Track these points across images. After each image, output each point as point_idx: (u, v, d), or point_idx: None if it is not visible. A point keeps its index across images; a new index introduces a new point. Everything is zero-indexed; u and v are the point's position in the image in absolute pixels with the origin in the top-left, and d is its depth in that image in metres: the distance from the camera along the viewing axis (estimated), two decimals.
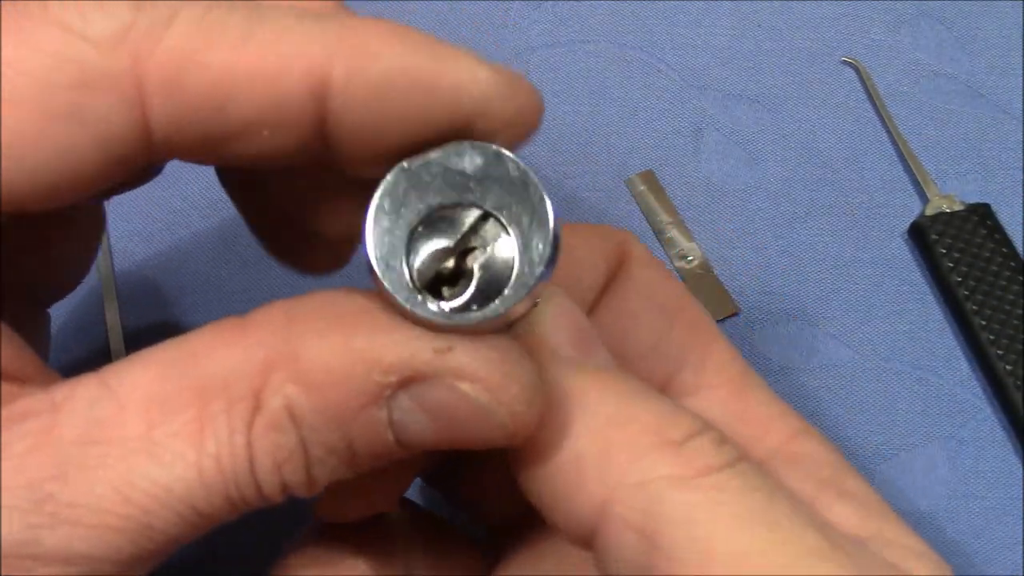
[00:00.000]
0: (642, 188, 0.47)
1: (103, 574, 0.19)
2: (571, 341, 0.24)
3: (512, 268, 0.21)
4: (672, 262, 0.45)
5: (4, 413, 0.19)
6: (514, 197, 0.21)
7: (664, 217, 0.46)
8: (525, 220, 0.21)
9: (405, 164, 0.21)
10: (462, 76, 0.20)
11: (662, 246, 0.45)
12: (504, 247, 0.21)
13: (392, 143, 0.21)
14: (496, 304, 0.20)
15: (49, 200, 0.20)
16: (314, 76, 0.20)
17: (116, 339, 0.41)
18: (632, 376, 0.24)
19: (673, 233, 0.45)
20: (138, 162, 0.21)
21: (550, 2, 0.53)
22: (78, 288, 0.30)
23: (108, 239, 0.42)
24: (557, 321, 0.24)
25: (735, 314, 0.43)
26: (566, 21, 0.52)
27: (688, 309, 0.29)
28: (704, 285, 0.44)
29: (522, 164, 0.21)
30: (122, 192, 0.27)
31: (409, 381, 0.20)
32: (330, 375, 0.20)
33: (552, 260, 0.21)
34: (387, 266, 0.21)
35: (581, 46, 0.51)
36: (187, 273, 0.42)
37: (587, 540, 0.22)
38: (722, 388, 0.28)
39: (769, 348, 0.42)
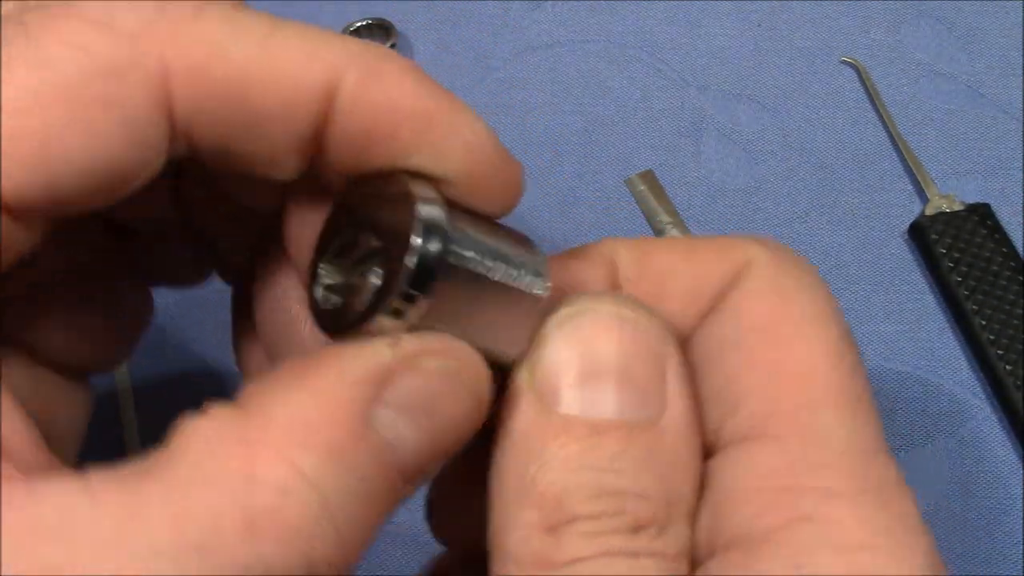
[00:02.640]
0: (642, 188, 0.47)
1: None
2: (575, 375, 0.21)
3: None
4: None
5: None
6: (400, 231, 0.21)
7: (664, 217, 0.46)
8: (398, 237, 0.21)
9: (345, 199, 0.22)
10: (455, 125, 0.22)
11: None
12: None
13: (371, 161, 0.22)
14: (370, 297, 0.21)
15: (81, 192, 0.21)
16: (327, 79, 0.21)
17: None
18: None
19: (673, 233, 0.45)
20: (161, 153, 0.21)
21: (550, 2, 0.53)
22: None
23: None
24: (559, 351, 0.21)
25: None
26: (566, 21, 0.52)
27: (797, 358, 0.21)
28: None
29: (417, 209, 0.21)
30: (144, 215, 0.28)
31: (382, 387, 0.20)
32: (312, 411, 0.19)
33: (410, 287, 0.20)
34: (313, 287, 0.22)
35: (581, 46, 0.51)
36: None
37: None
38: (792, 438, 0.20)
39: None
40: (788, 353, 0.21)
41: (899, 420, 0.41)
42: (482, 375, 0.21)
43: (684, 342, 0.23)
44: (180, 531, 0.18)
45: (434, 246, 0.21)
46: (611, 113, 0.49)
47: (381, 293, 0.21)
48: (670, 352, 0.21)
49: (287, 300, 0.27)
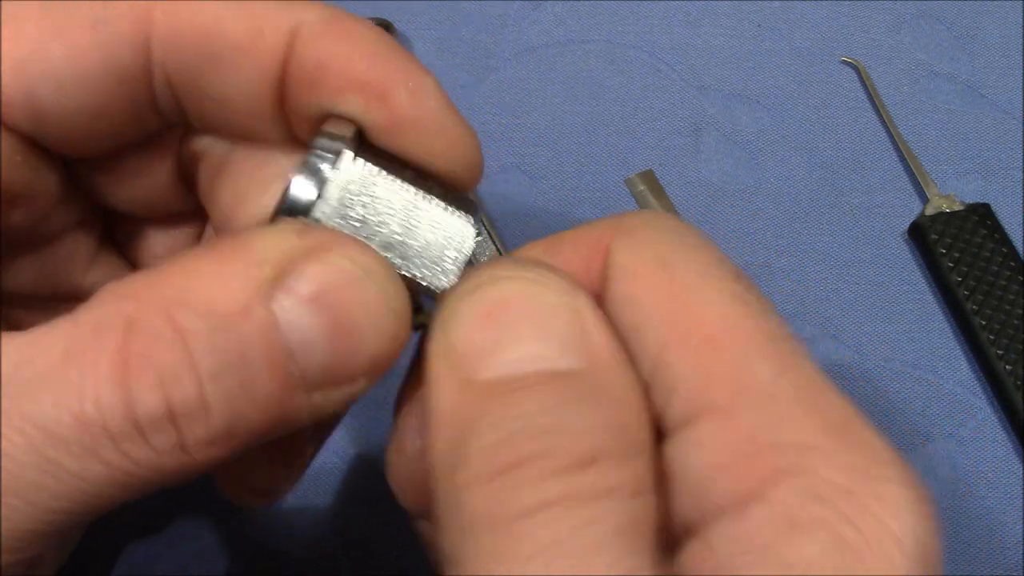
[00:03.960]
0: (642, 188, 0.47)
1: None
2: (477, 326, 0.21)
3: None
4: None
5: None
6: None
7: None
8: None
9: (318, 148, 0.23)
10: (404, 78, 0.24)
11: None
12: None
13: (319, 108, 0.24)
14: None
15: (66, 118, 0.23)
16: (293, 21, 0.23)
17: None
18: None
19: None
20: (141, 84, 0.23)
21: (550, 2, 0.53)
22: None
23: None
24: (471, 323, 0.21)
25: None
26: (566, 21, 0.52)
27: (707, 320, 0.20)
28: None
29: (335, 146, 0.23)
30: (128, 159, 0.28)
31: (280, 273, 0.20)
32: (208, 285, 0.20)
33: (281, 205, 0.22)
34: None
35: (581, 46, 0.51)
36: None
37: None
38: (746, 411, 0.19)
39: None
40: (696, 318, 0.20)
41: (899, 420, 0.41)
42: (394, 289, 0.21)
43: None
44: (65, 369, 0.19)
45: (304, 194, 0.22)
46: (611, 113, 0.49)
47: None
48: (582, 301, 0.21)
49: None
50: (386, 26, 0.51)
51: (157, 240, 0.30)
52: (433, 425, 0.20)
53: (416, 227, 0.23)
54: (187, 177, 0.28)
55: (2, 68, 0.22)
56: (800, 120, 0.49)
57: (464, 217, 0.24)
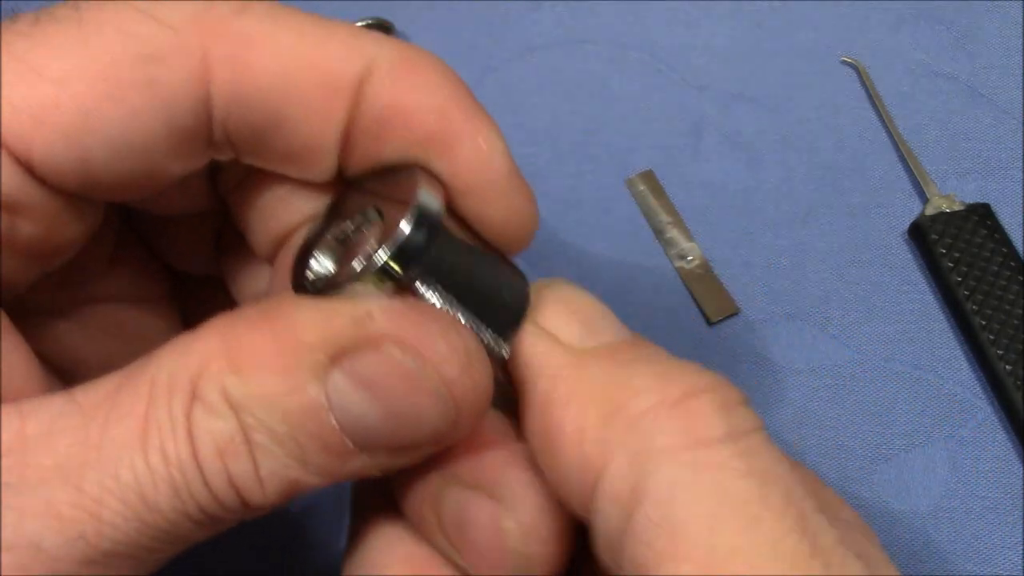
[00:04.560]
0: (642, 188, 0.47)
1: (53, 570, 0.20)
2: (578, 324, 0.23)
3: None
4: (672, 262, 0.45)
5: None
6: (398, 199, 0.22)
7: (664, 217, 0.46)
8: (398, 211, 0.22)
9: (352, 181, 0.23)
10: (476, 137, 0.23)
11: (662, 246, 0.45)
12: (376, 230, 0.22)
13: (384, 158, 0.23)
14: (353, 265, 0.21)
15: (116, 174, 0.22)
16: (362, 71, 0.22)
17: None
18: (644, 342, 0.23)
19: (673, 233, 0.45)
20: (198, 146, 0.22)
21: (550, 2, 0.53)
22: None
23: None
24: (557, 308, 0.23)
25: (735, 314, 0.43)
26: (566, 21, 0.52)
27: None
28: (704, 285, 0.44)
29: (417, 176, 0.22)
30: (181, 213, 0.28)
31: (339, 356, 0.21)
32: (260, 358, 0.21)
33: (411, 242, 0.21)
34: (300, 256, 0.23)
35: (581, 46, 0.51)
36: None
37: (587, 515, 0.21)
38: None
39: (769, 348, 0.42)
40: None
41: (899, 420, 0.41)
42: (449, 381, 0.21)
43: None
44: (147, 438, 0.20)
45: (420, 236, 0.21)
46: (611, 113, 0.49)
47: (366, 264, 0.21)
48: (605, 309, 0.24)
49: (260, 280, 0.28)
50: (386, 26, 0.51)
51: (178, 234, 0.29)
52: (536, 393, 0.22)
53: (481, 290, 0.23)
54: (212, 175, 0.28)
55: (56, 135, 0.21)
56: (800, 120, 0.49)
57: (520, 278, 0.24)
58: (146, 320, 0.29)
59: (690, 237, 0.45)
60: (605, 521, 0.20)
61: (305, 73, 0.22)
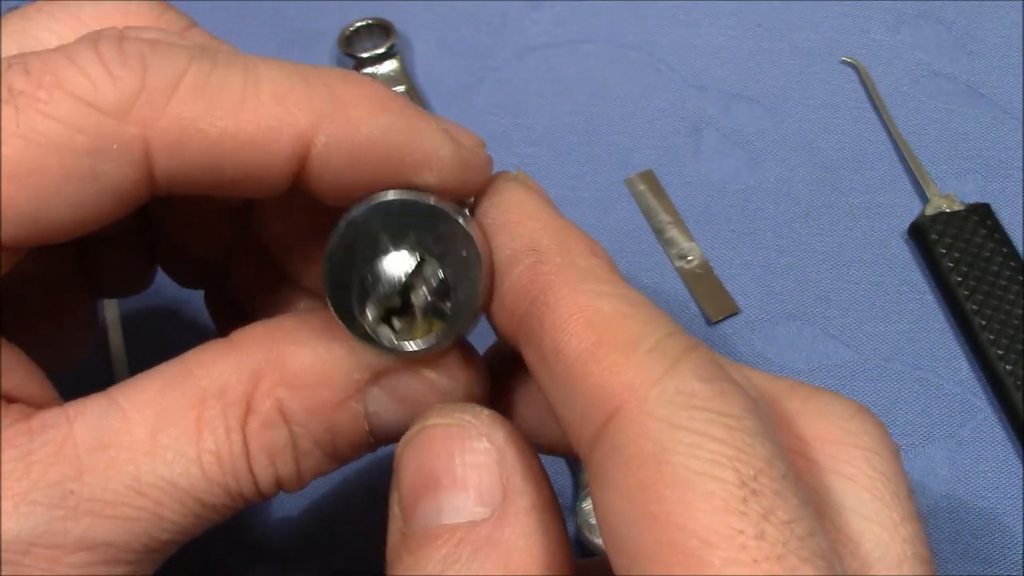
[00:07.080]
0: (642, 188, 0.47)
1: (121, 561, 0.22)
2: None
3: (447, 305, 0.24)
4: (672, 262, 0.45)
5: (25, 426, 0.22)
6: (448, 242, 0.24)
7: (664, 217, 0.46)
8: (457, 263, 0.24)
9: (354, 214, 0.23)
10: (427, 149, 0.23)
11: (662, 246, 0.45)
12: (440, 285, 0.24)
13: (356, 191, 0.24)
14: (432, 340, 0.24)
15: (64, 235, 0.23)
16: (299, 142, 0.22)
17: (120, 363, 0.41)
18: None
19: (673, 233, 0.45)
20: (143, 198, 0.23)
21: (550, 2, 0.53)
22: None
23: None
24: (407, 470, 0.23)
25: (735, 314, 0.43)
26: (566, 21, 0.52)
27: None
28: (704, 285, 0.44)
29: (455, 217, 0.23)
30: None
31: (380, 376, 0.24)
32: (315, 376, 0.24)
33: (474, 306, 0.24)
34: (339, 297, 0.24)
35: (581, 46, 0.51)
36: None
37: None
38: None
39: (769, 348, 0.42)
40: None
41: (899, 420, 0.41)
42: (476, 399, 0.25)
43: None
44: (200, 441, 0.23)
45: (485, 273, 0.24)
46: (611, 113, 0.49)
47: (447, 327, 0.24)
48: (500, 442, 0.22)
49: (277, 293, 0.29)
50: (386, 26, 0.51)
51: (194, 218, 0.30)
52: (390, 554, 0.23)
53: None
54: None
55: (10, 225, 0.22)
56: (800, 120, 0.49)
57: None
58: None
59: (690, 237, 0.45)
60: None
61: (240, 151, 0.22)
